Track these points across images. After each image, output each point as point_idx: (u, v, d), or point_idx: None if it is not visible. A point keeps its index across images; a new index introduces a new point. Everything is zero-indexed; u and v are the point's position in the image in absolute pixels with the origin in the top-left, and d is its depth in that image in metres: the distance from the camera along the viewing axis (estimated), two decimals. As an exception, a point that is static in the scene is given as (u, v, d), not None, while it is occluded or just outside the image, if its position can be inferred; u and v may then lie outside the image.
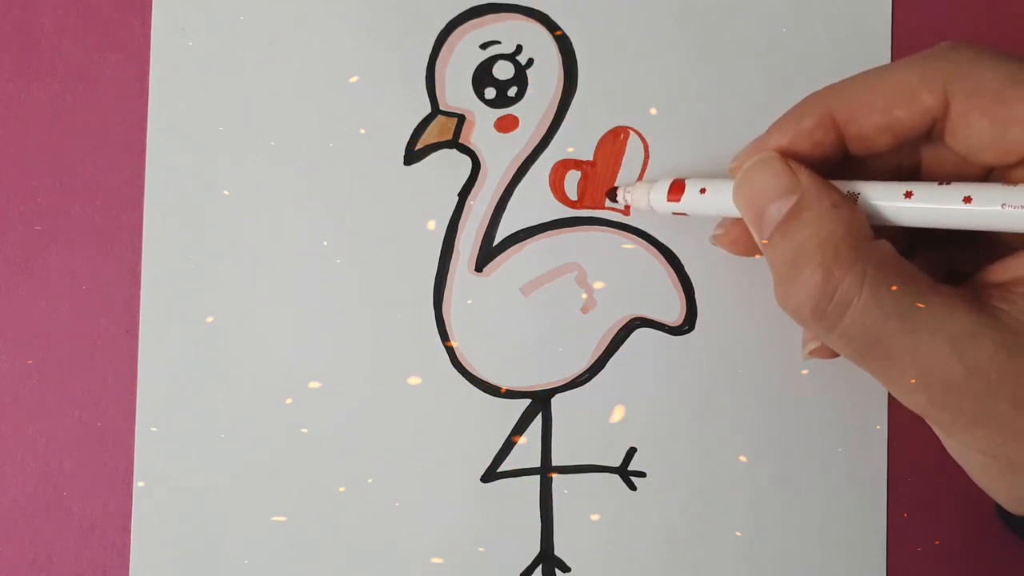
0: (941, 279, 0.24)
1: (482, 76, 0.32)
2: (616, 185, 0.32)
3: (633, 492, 0.33)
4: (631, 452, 0.33)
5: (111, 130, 0.32)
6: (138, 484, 0.32)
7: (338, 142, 0.32)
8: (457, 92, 0.32)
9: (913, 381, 0.23)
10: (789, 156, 0.26)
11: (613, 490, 0.33)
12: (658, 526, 0.33)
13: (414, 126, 0.32)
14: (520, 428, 0.33)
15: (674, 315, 0.33)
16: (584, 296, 0.33)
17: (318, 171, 0.32)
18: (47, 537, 0.32)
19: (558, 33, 0.33)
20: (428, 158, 0.33)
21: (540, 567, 0.33)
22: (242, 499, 0.32)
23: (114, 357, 0.32)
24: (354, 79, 0.32)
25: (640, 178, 0.33)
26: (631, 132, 0.33)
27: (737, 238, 0.30)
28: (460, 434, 0.33)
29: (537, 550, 0.33)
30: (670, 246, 0.33)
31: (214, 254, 0.32)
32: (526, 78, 0.33)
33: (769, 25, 0.33)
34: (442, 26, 0.33)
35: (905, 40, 0.33)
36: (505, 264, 0.33)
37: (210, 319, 0.32)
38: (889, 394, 0.33)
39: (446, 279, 0.33)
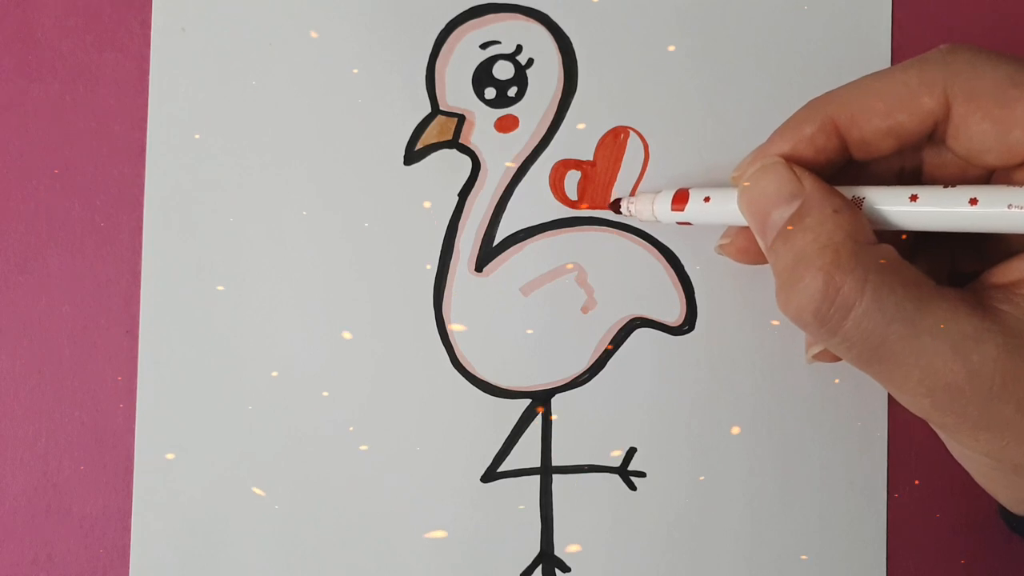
0: (943, 280, 0.24)
1: (482, 76, 0.32)
2: (619, 197, 0.32)
3: (633, 492, 0.33)
4: (631, 452, 0.33)
5: (111, 130, 0.32)
6: (138, 484, 0.32)
7: (338, 142, 0.32)
8: (457, 92, 0.32)
9: (916, 385, 0.23)
10: (792, 161, 0.26)
11: (613, 490, 0.33)
12: (658, 526, 0.33)
13: (414, 126, 0.32)
14: (520, 428, 0.33)
15: (674, 315, 0.33)
16: (584, 296, 0.33)
17: (318, 171, 0.32)
18: (47, 537, 0.32)
19: (560, 32, 0.33)
20: (428, 158, 0.33)
21: (540, 567, 0.33)
22: (242, 499, 0.32)
23: (114, 357, 0.32)
24: (355, 70, 0.32)
25: (640, 178, 0.33)
26: (631, 132, 0.33)
27: (743, 247, 0.30)
28: (460, 434, 0.33)
29: (537, 550, 0.33)
30: (670, 246, 0.33)
31: (214, 254, 0.32)
32: (526, 78, 0.33)
33: (769, 26, 0.33)
34: (442, 26, 0.33)
35: (905, 41, 0.33)
36: (505, 264, 0.33)
37: (210, 319, 0.32)
38: (889, 395, 0.33)
39: (446, 279, 0.33)
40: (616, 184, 0.33)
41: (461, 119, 0.32)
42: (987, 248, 0.27)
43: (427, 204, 0.32)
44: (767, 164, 0.26)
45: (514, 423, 0.33)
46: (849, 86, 0.26)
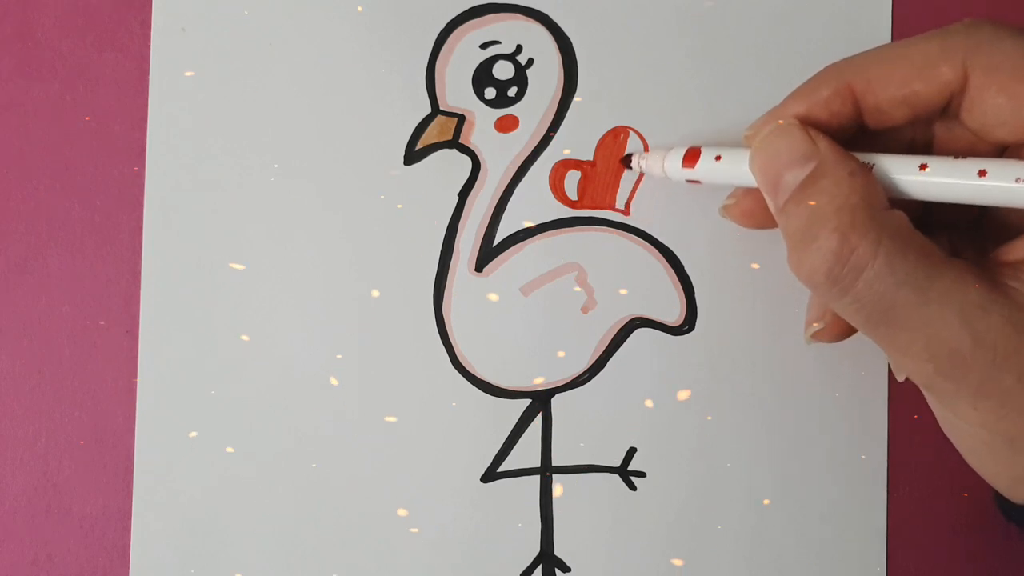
0: None
1: (482, 76, 0.32)
2: (631, 152, 0.32)
3: (633, 492, 0.33)
4: (631, 452, 0.33)
5: (111, 130, 0.32)
6: (138, 484, 0.32)
7: (338, 142, 0.32)
8: (457, 92, 0.32)
9: (921, 351, 0.24)
10: (806, 124, 0.26)
11: (613, 490, 0.33)
12: (658, 526, 0.33)
13: (414, 126, 0.32)
14: (520, 428, 0.33)
15: (674, 315, 0.33)
16: (584, 296, 0.33)
17: (318, 171, 0.32)
18: (47, 537, 0.32)
19: (560, 32, 0.33)
20: (428, 158, 0.33)
21: (540, 567, 0.33)
22: (242, 499, 0.32)
23: (114, 357, 0.32)
24: (355, 70, 0.32)
25: (641, 178, 0.33)
26: (631, 132, 0.33)
27: (748, 209, 0.30)
28: (460, 434, 0.33)
29: (537, 550, 0.33)
30: (670, 246, 0.33)
31: (214, 254, 0.32)
32: (526, 78, 0.33)
33: (769, 25, 0.33)
34: (442, 26, 0.33)
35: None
36: (505, 264, 0.33)
37: (210, 319, 0.32)
38: (889, 393, 0.33)
39: (446, 279, 0.33)
40: (616, 184, 0.33)
41: (461, 119, 0.33)
42: (987, 232, 0.27)
43: (427, 204, 0.32)
44: (781, 126, 0.26)
45: (514, 423, 0.33)
46: (868, 52, 0.26)
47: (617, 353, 0.33)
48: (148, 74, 0.32)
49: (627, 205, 0.33)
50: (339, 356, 0.32)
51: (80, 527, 0.32)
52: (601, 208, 0.33)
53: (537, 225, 0.33)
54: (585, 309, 0.33)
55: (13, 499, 0.32)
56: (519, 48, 0.33)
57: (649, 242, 0.33)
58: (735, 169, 0.28)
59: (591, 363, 0.33)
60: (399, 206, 0.32)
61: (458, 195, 0.33)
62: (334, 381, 0.32)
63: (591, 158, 0.33)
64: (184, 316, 0.32)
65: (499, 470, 0.33)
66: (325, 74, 0.32)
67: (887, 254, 0.23)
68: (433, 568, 0.32)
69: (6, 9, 0.33)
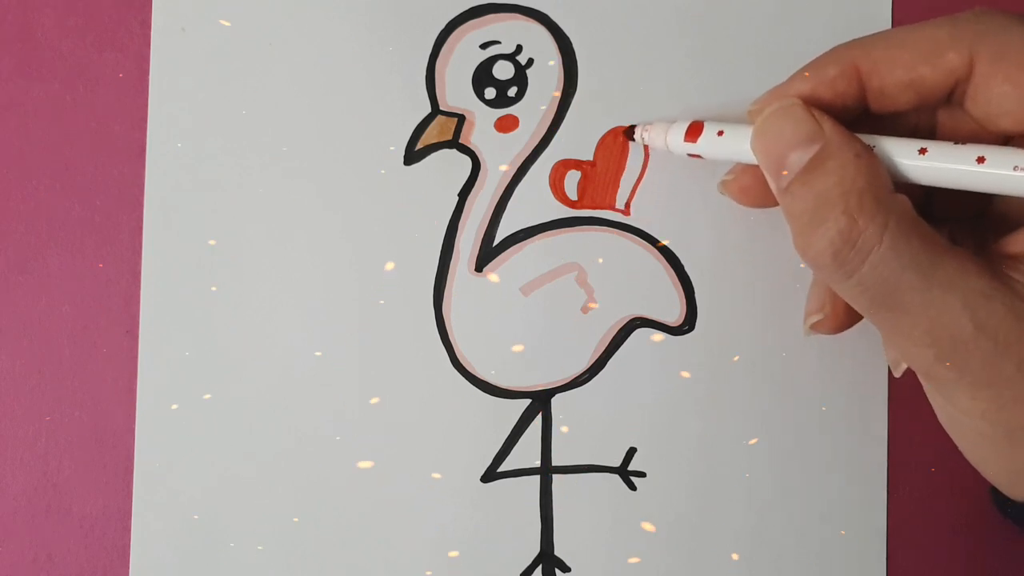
0: None
1: (482, 76, 0.32)
2: (634, 124, 0.32)
3: (633, 492, 0.33)
4: (631, 452, 0.33)
5: (111, 130, 0.32)
6: (138, 484, 0.32)
7: (338, 142, 0.32)
8: (457, 92, 0.32)
9: (923, 335, 0.24)
10: (810, 103, 0.26)
11: (613, 490, 0.33)
12: (658, 526, 0.33)
13: (414, 126, 0.32)
14: (520, 428, 0.33)
15: (674, 315, 0.33)
16: (584, 296, 0.33)
17: (318, 171, 0.32)
18: (47, 537, 0.32)
19: (560, 32, 0.33)
20: (428, 158, 0.33)
21: (540, 567, 0.33)
22: (242, 499, 0.32)
23: (114, 357, 0.32)
24: (355, 71, 0.32)
25: (640, 178, 0.33)
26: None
27: (746, 186, 0.30)
28: (460, 434, 0.33)
29: (537, 550, 0.33)
30: (670, 246, 0.33)
31: (214, 254, 0.32)
32: (526, 78, 0.33)
33: (769, 25, 0.33)
34: (442, 26, 0.33)
35: (905, 40, 0.33)
36: (505, 264, 0.33)
37: (210, 319, 0.32)
38: (889, 393, 0.33)
39: (446, 279, 0.33)
40: (616, 184, 0.33)
41: (461, 119, 0.32)
42: (986, 225, 0.27)
43: (427, 204, 0.32)
44: (784, 106, 0.26)
45: (514, 423, 0.33)
46: (876, 35, 0.26)
47: (617, 353, 0.33)
48: (148, 74, 0.32)
49: (627, 205, 0.33)
50: (339, 356, 0.32)
51: (80, 527, 0.32)
52: (601, 208, 0.33)
53: (537, 225, 0.33)
54: (585, 309, 0.33)
55: (13, 499, 0.32)
56: (519, 48, 0.33)
57: (649, 242, 0.33)
58: (737, 145, 0.28)
59: (591, 363, 0.33)
60: (399, 206, 0.32)
61: (458, 195, 0.33)
62: (334, 381, 0.32)
63: (591, 158, 0.33)
64: (184, 316, 0.32)
65: (499, 470, 0.33)
66: (325, 74, 0.32)
67: (893, 237, 0.23)
68: (433, 568, 0.32)
69: (6, 9, 0.33)
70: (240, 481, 0.32)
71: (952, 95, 0.26)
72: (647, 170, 0.33)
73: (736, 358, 0.33)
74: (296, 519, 0.32)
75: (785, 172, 0.25)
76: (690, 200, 0.33)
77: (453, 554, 0.32)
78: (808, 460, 0.33)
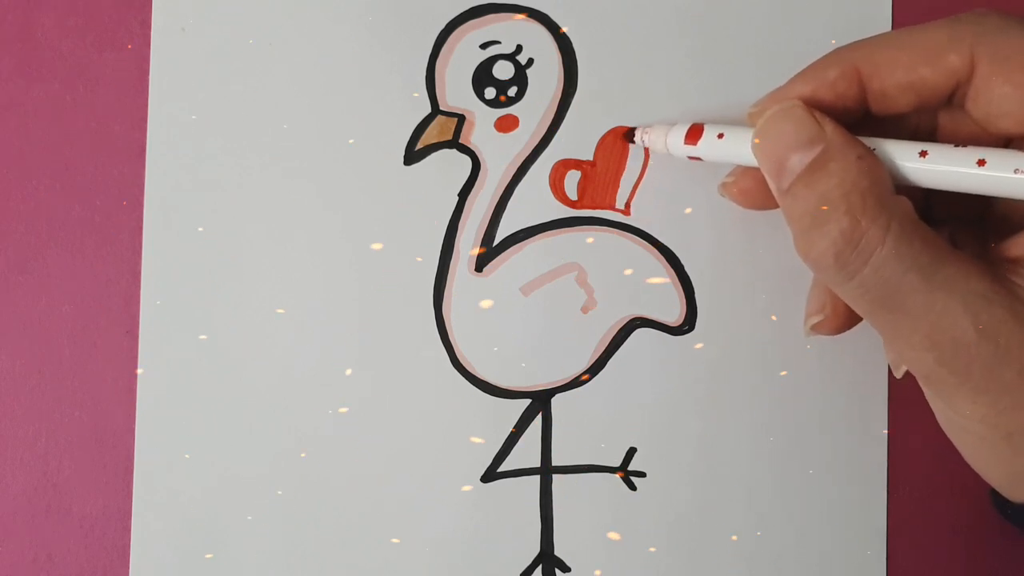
0: None
1: (482, 76, 0.32)
2: (634, 127, 0.32)
3: (633, 492, 0.33)
4: (631, 452, 0.33)
5: (111, 130, 0.32)
6: (138, 484, 0.32)
7: (338, 142, 0.32)
8: (457, 92, 0.32)
9: (923, 339, 0.24)
10: (811, 105, 0.26)
11: (613, 490, 0.33)
12: (658, 526, 0.33)
13: (414, 126, 0.32)
14: (520, 428, 0.33)
15: (674, 315, 0.33)
16: (584, 296, 0.33)
17: (318, 171, 0.32)
18: (47, 537, 0.32)
19: (560, 32, 0.33)
20: (428, 158, 0.33)
21: (540, 567, 0.33)
22: (242, 499, 0.32)
23: (114, 357, 0.32)
24: (355, 71, 0.32)
25: (640, 178, 0.33)
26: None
27: (746, 188, 0.30)
28: (460, 434, 0.33)
29: (537, 550, 0.33)
30: (670, 246, 0.33)
31: (214, 254, 0.32)
32: (526, 78, 0.33)
33: (769, 25, 0.33)
34: (442, 26, 0.33)
35: (905, 40, 0.33)
36: (505, 264, 0.33)
37: (210, 319, 0.32)
38: (889, 393, 0.33)
39: (446, 279, 0.33)
40: (616, 184, 0.33)
41: (461, 119, 0.32)
42: (987, 228, 0.27)
43: (427, 204, 0.32)
44: (785, 108, 0.26)
45: (514, 423, 0.33)
46: (877, 37, 0.26)
47: (617, 353, 0.33)
48: (148, 74, 0.32)
49: (627, 205, 0.33)
50: (339, 356, 0.32)
51: (80, 527, 0.32)
52: (601, 208, 0.33)
53: (537, 225, 0.33)
54: (585, 309, 0.33)
55: (13, 499, 0.32)
56: (519, 48, 0.33)
57: (649, 242, 0.33)
58: (737, 148, 0.28)
59: (591, 363, 0.33)
60: (399, 206, 0.32)
61: (458, 195, 0.33)
62: (334, 381, 0.32)
63: (591, 158, 0.33)
64: (184, 316, 0.32)
65: (499, 470, 0.33)
66: (325, 74, 0.32)
67: (895, 239, 0.23)
68: (433, 568, 0.32)
69: (6, 9, 0.33)
70: (240, 481, 0.32)
71: (953, 96, 0.26)
72: (647, 170, 0.33)
73: (736, 358, 0.33)
74: (296, 519, 0.32)
75: (786, 174, 0.25)
76: (690, 200, 0.33)
77: (453, 554, 0.32)
78: (808, 460, 0.33)
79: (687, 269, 0.33)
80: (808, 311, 0.29)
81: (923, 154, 0.25)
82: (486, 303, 0.33)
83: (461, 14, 0.33)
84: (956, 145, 0.25)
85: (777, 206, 0.26)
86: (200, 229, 0.32)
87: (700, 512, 0.33)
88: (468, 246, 0.33)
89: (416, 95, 0.32)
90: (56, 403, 0.32)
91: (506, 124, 0.33)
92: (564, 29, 0.33)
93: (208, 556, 0.32)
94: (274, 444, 0.32)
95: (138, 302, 0.32)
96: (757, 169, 0.27)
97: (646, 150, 0.32)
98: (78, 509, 0.32)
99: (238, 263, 0.32)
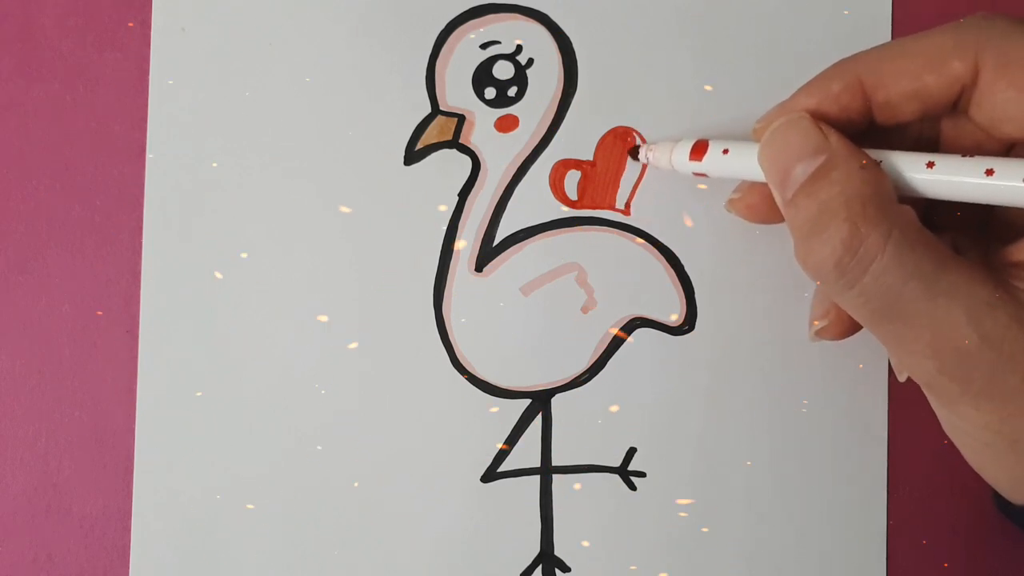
0: None
1: (482, 76, 0.32)
2: (639, 144, 0.32)
3: (633, 492, 0.33)
4: (631, 452, 0.33)
5: (111, 130, 0.32)
6: (138, 484, 0.32)
7: (338, 142, 0.32)
8: (457, 92, 0.32)
9: (925, 347, 0.23)
10: (816, 118, 0.26)
11: (613, 490, 0.33)
12: (658, 526, 0.33)
13: (414, 126, 0.32)
14: (520, 428, 0.33)
15: (674, 315, 0.33)
16: (584, 296, 0.33)
17: (318, 171, 0.32)
18: (47, 537, 0.32)
19: (560, 32, 0.33)
20: (428, 158, 0.33)
21: (540, 567, 0.33)
22: (242, 499, 0.32)
23: (114, 357, 0.32)
24: (355, 71, 0.32)
25: (640, 178, 0.33)
26: (635, 134, 0.33)
27: (754, 204, 0.30)
28: (460, 434, 0.33)
29: (537, 550, 0.33)
30: (670, 246, 0.33)
31: (214, 254, 0.32)
32: (526, 78, 0.33)
33: (769, 25, 0.33)
34: (442, 26, 0.33)
35: (905, 40, 0.33)
36: (505, 264, 0.33)
37: (210, 319, 0.32)
38: (889, 394, 0.33)
39: (446, 279, 0.33)
40: (616, 184, 0.33)
41: (461, 119, 0.33)
42: (990, 234, 0.27)
43: (427, 204, 0.32)
44: (791, 119, 0.26)
45: (514, 423, 0.33)
46: (879, 47, 0.26)
47: (617, 353, 0.33)
48: (148, 74, 0.32)
49: (627, 205, 0.33)
50: (339, 356, 0.32)
51: (80, 527, 0.32)
52: (601, 208, 0.33)
53: (537, 225, 0.33)
54: (585, 309, 0.33)
55: (13, 499, 0.32)
56: (519, 48, 0.33)
57: (649, 242, 0.33)
58: (742, 163, 0.28)
59: (591, 363, 0.33)
60: (399, 206, 0.32)
61: (458, 195, 0.33)
62: (334, 381, 0.32)
63: (591, 158, 0.33)
64: (184, 316, 0.32)
65: (499, 470, 0.33)
66: (325, 74, 0.32)
67: (896, 246, 0.23)
68: (433, 568, 0.32)
69: (6, 9, 0.33)
70: (240, 481, 0.32)
71: (957, 104, 0.26)
72: (647, 170, 0.33)
73: (736, 358, 0.33)
74: (296, 519, 0.32)
75: (790, 184, 0.25)
76: (690, 200, 0.33)
77: (453, 554, 0.32)
78: (808, 460, 0.33)
79: (687, 269, 0.33)
80: (812, 316, 0.29)
81: (930, 165, 0.25)
82: (486, 303, 0.33)
83: (461, 14, 0.33)
84: (963, 155, 0.25)
85: (784, 221, 0.26)
86: (200, 229, 0.32)
87: (700, 512, 0.33)
88: (468, 246, 0.33)
89: (416, 95, 0.32)
90: (56, 403, 0.32)
91: (506, 124, 0.33)
92: (564, 29, 0.33)
93: (208, 555, 0.32)
94: (274, 444, 0.32)
95: (138, 302, 0.32)
96: (764, 184, 0.27)
97: (646, 150, 0.32)
98: (78, 509, 0.32)
99: (238, 263, 0.32)
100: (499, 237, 0.33)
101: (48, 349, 0.32)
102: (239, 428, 0.32)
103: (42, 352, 0.32)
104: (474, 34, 0.33)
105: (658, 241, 0.33)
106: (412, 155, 0.32)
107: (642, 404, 0.33)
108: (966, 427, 0.25)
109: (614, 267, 0.33)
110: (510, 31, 0.33)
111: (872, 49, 0.26)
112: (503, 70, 0.33)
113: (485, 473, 0.33)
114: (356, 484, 0.32)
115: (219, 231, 0.32)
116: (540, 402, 0.33)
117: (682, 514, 0.33)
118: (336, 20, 0.33)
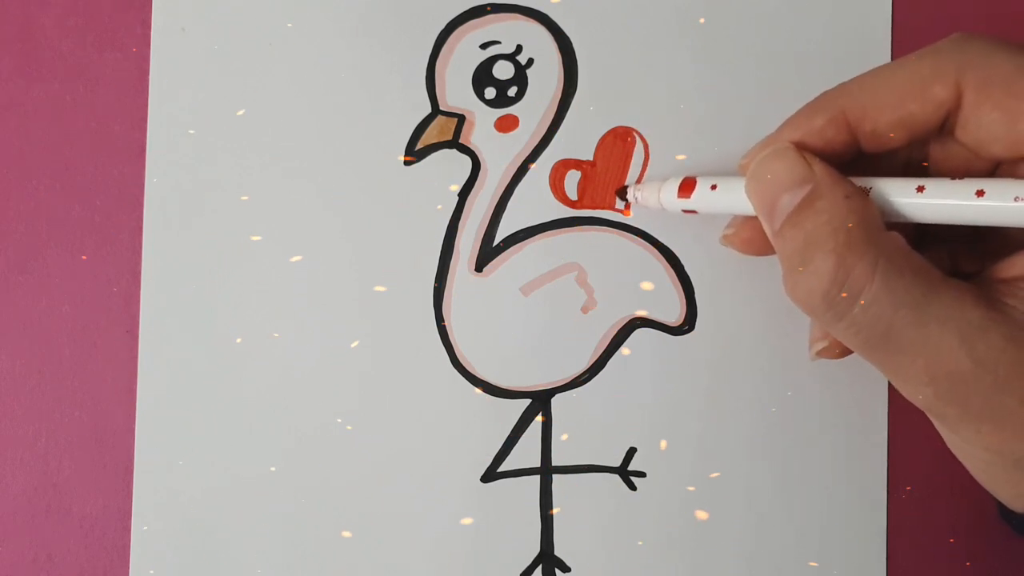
0: None
1: (482, 76, 0.32)
2: (626, 184, 0.32)
3: (633, 492, 0.33)
4: (631, 452, 0.33)
5: (111, 130, 0.32)
6: (138, 484, 0.32)
7: (338, 142, 0.32)
8: (457, 92, 0.32)
9: (920, 374, 0.23)
10: (802, 150, 0.26)
11: (613, 490, 0.33)
12: (658, 526, 0.33)
13: (414, 126, 0.32)
14: (520, 428, 0.33)
15: (674, 315, 0.33)
16: (584, 296, 0.33)
17: (318, 171, 0.32)
18: (47, 537, 0.32)
19: (560, 32, 0.33)
20: (428, 158, 0.33)
21: (540, 567, 0.33)
22: (242, 499, 0.32)
23: (114, 357, 0.32)
24: (355, 71, 0.32)
25: (640, 178, 0.33)
26: (636, 135, 0.33)
27: (748, 237, 0.30)
28: (460, 434, 0.33)
29: (537, 550, 0.33)
30: (670, 246, 0.33)
31: (214, 254, 0.32)
32: (526, 78, 0.33)
33: (769, 25, 0.33)
34: (442, 26, 0.33)
35: (905, 40, 0.33)
36: (505, 264, 0.33)
37: (210, 319, 0.32)
38: (889, 394, 0.33)
39: (446, 279, 0.33)
40: (616, 184, 0.33)
41: (461, 119, 0.33)
42: (986, 247, 0.27)
43: (427, 205, 0.32)
44: (776, 150, 0.26)
45: (514, 423, 0.33)
46: (861, 78, 0.26)
47: (617, 353, 0.33)
48: (148, 74, 0.32)
49: (627, 205, 0.33)
50: (339, 356, 0.32)
51: (80, 527, 0.32)
52: (601, 208, 0.33)
53: (537, 225, 0.33)
54: (585, 309, 0.33)
55: (13, 499, 0.32)
56: (519, 48, 0.33)
57: (649, 242, 0.33)
58: (731, 198, 0.28)
59: (591, 363, 0.33)
60: (399, 206, 0.32)
61: (458, 195, 0.33)
62: (334, 381, 0.32)
63: (591, 158, 0.33)
64: (184, 316, 0.32)
65: (499, 470, 0.33)
66: (325, 74, 0.32)
67: (884, 275, 0.23)
68: (434, 568, 0.32)
69: (6, 9, 0.33)
70: (240, 481, 0.32)
71: (943, 126, 0.25)
72: (647, 170, 0.33)
73: (736, 358, 0.33)
74: (296, 519, 0.32)
75: (777, 215, 0.25)
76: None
77: (453, 554, 0.32)
78: (808, 461, 0.33)
79: (687, 269, 0.33)
80: (812, 337, 0.29)
81: (920, 189, 0.25)
82: (486, 303, 0.33)
83: (461, 14, 0.33)
84: (952, 178, 0.25)
85: None
86: (200, 229, 0.32)
87: (700, 512, 0.33)
88: (468, 246, 0.33)
89: (416, 95, 0.32)
90: (56, 403, 0.32)
91: (506, 124, 0.33)
92: (564, 29, 0.33)
93: (208, 555, 0.32)
94: (274, 444, 0.32)
95: (138, 302, 0.32)
96: (755, 217, 0.27)
97: (646, 149, 0.33)
98: (78, 509, 0.32)
99: (238, 263, 0.32)
100: (499, 237, 0.33)
101: (48, 349, 0.32)
102: (239, 428, 0.32)
103: (42, 352, 0.32)
104: (474, 34, 0.33)
105: (658, 241, 0.33)
106: (412, 155, 0.32)
107: (642, 404, 0.33)
108: (968, 448, 0.25)
109: (614, 267, 0.33)
110: (510, 31, 0.33)
111: (855, 80, 0.26)
112: (503, 70, 0.33)
113: (485, 473, 0.33)
114: (356, 484, 0.32)
115: (219, 231, 0.32)
116: (540, 402, 0.33)
117: (682, 514, 0.33)
118: (336, 20, 0.33)
